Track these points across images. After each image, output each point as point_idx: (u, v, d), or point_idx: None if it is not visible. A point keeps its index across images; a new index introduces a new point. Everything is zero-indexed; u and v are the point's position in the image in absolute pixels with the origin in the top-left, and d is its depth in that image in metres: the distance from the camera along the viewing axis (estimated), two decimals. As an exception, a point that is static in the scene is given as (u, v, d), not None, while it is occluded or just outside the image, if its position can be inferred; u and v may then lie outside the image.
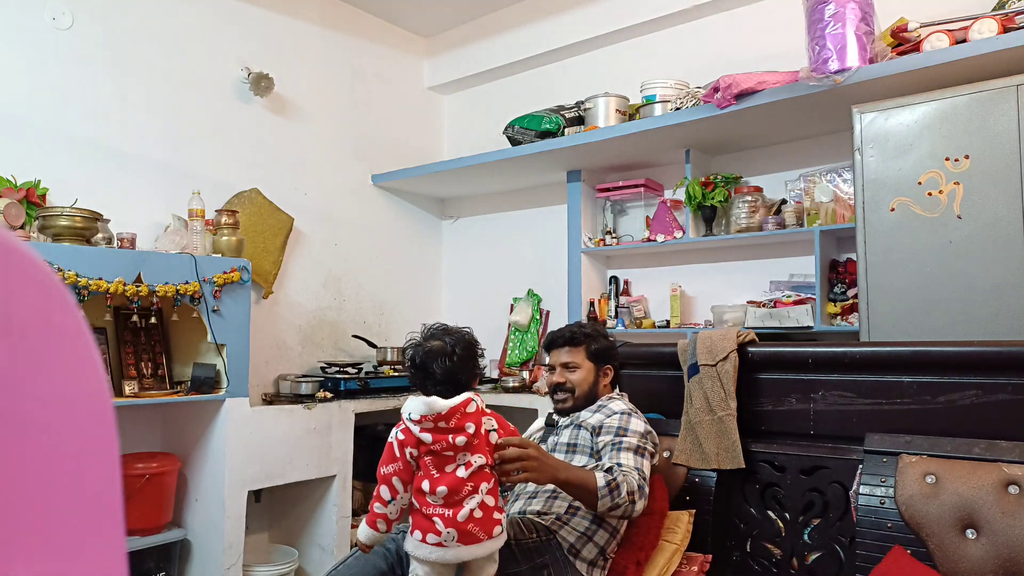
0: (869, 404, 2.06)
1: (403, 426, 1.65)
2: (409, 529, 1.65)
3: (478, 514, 1.60)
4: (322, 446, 3.07)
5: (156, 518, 2.73)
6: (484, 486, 1.63)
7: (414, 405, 1.62)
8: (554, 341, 2.27)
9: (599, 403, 2.16)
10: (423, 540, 1.59)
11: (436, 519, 1.59)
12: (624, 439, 1.98)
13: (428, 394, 1.66)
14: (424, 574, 1.62)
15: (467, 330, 1.78)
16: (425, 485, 1.60)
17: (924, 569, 1.69)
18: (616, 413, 2.07)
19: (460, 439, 1.60)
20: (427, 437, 1.60)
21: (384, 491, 1.63)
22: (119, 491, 0.36)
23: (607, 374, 2.22)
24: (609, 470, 1.87)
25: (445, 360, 1.67)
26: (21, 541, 0.31)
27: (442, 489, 1.59)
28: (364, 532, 1.66)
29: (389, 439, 1.66)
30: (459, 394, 1.65)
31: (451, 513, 1.59)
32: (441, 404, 1.60)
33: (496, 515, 1.64)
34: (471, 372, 1.71)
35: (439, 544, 1.58)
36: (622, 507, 1.81)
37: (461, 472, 1.60)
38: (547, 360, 2.31)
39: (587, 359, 2.20)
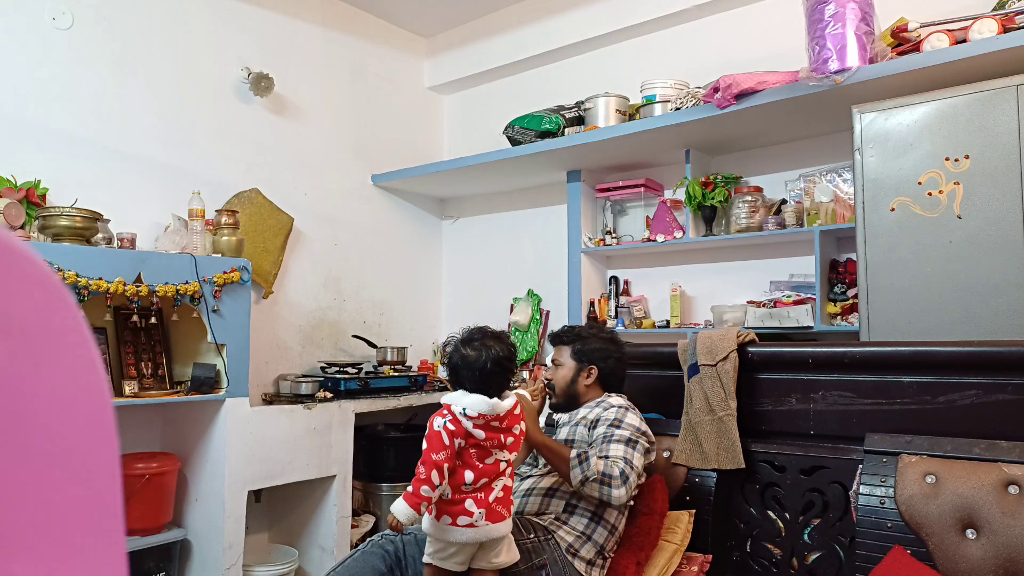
0: (869, 404, 2.06)
1: (450, 417, 1.73)
2: (434, 517, 1.73)
3: (500, 495, 1.75)
4: (322, 446, 3.07)
5: (156, 518, 2.73)
6: (508, 470, 1.79)
7: (474, 402, 1.72)
8: (550, 339, 2.39)
9: (598, 400, 2.18)
10: (453, 523, 1.70)
11: (469, 500, 1.71)
12: (617, 431, 2.00)
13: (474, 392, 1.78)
14: (451, 554, 1.73)
15: (506, 341, 1.84)
16: (468, 476, 1.71)
17: (924, 569, 1.69)
18: (613, 407, 2.10)
19: (510, 439, 1.76)
20: (480, 433, 1.72)
21: (435, 476, 1.69)
22: (119, 491, 0.36)
23: (590, 374, 2.23)
24: (586, 449, 1.96)
25: (473, 372, 1.77)
26: (21, 541, 0.31)
27: (484, 479, 1.73)
28: (406, 513, 1.68)
29: (435, 428, 1.73)
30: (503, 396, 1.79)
31: (483, 495, 1.72)
32: (503, 407, 1.74)
33: (511, 496, 1.80)
34: (498, 386, 1.79)
35: (470, 525, 1.70)
36: (591, 484, 1.85)
37: (503, 466, 1.75)
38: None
39: (570, 357, 2.25)
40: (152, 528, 2.72)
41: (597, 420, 2.07)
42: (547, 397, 2.31)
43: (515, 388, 1.99)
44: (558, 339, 2.31)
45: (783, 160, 3.24)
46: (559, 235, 3.87)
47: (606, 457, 1.91)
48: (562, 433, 2.16)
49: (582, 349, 2.24)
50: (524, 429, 1.83)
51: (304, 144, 3.72)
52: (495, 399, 1.73)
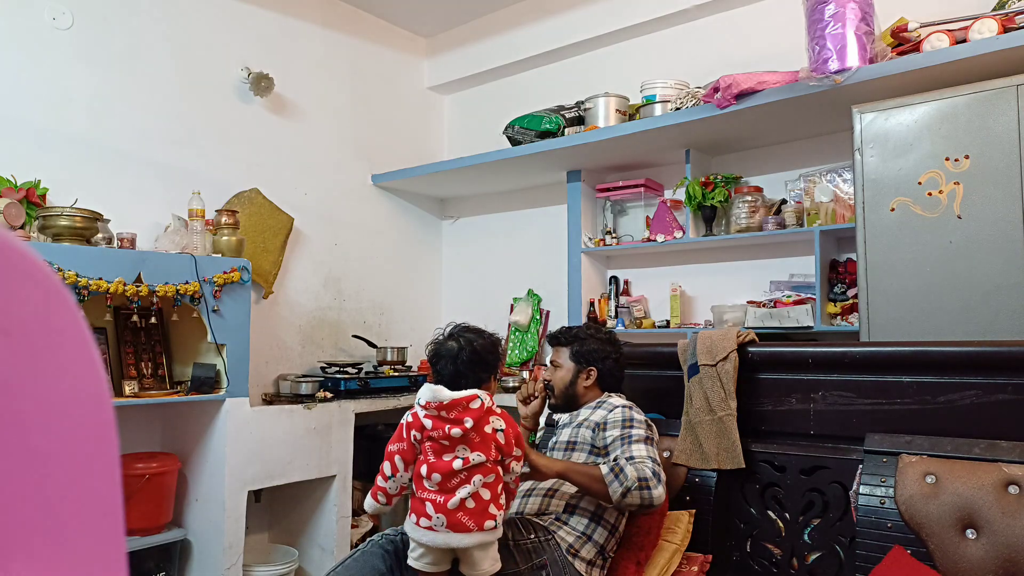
0: (869, 404, 2.06)
1: (413, 410, 1.73)
2: (408, 513, 1.74)
3: (470, 504, 1.66)
4: (322, 446, 3.07)
5: (156, 518, 2.73)
6: (479, 478, 1.67)
7: (424, 391, 1.71)
8: (549, 341, 2.37)
9: (598, 400, 2.17)
10: (416, 523, 1.68)
11: (428, 503, 1.67)
12: (633, 431, 1.99)
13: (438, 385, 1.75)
14: (419, 555, 1.71)
15: (488, 336, 1.83)
16: (423, 469, 1.69)
17: (924, 569, 1.69)
18: (617, 407, 2.09)
19: (455, 431, 1.66)
20: (428, 423, 1.68)
21: (386, 467, 1.74)
22: (119, 491, 0.36)
23: (589, 375, 2.22)
24: (614, 460, 1.90)
25: (449, 364, 1.76)
26: (21, 541, 0.31)
27: (436, 476, 1.67)
28: (368, 503, 1.79)
29: (401, 420, 1.77)
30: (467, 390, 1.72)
31: (442, 499, 1.66)
32: (445, 394, 1.68)
33: (492, 509, 1.68)
34: (475, 378, 1.76)
35: (430, 528, 1.66)
36: (633, 492, 1.81)
37: (457, 464, 1.66)
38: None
39: (569, 359, 2.24)
40: (152, 528, 2.72)
41: (604, 423, 2.06)
42: (547, 398, 2.31)
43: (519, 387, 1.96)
44: (556, 340, 2.31)
45: (783, 160, 3.24)
46: (559, 235, 3.87)
47: (631, 458, 1.90)
48: (564, 434, 2.15)
49: (580, 350, 2.23)
50: (495, 429, 1.71)
51: (304, 144, 3.72)
52: (440, 387, 1.70)
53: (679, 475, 2.27)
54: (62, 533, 0.33)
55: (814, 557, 2.09)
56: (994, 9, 2.49)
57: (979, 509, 1.70)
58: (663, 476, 1.88)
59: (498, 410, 1.75)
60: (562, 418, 2.24)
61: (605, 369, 2.22)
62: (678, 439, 2.30)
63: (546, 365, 2.41)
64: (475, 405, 1.68)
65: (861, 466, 1.95)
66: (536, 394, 2.33)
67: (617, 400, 2.15)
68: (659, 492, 1.83)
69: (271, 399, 3.26)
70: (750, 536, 2.21)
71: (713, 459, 2.20)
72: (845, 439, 2.09)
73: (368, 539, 1.92)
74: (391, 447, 1.74)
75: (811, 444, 2.16)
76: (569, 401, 2.22)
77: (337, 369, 3.46)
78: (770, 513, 2.19)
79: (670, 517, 2.13)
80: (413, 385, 3.61)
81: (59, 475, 0.33)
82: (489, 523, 1.67)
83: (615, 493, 1.82)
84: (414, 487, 1.72)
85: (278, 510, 3.39)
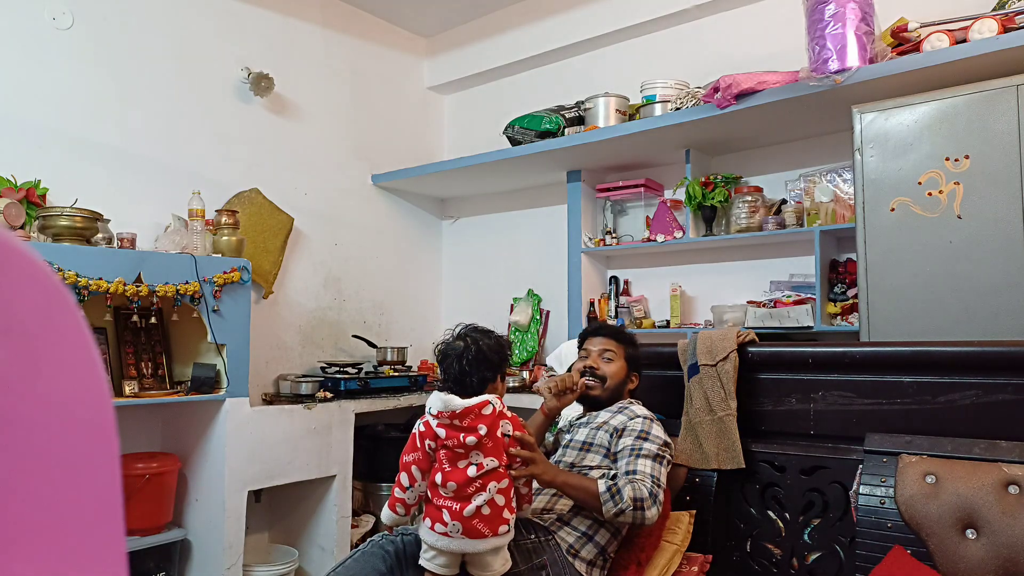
0: (869, 404, 2.05)
1: (425, 419, 1.74)
2: (421, 518, 1.76)
3: (486, 511, 1.68)
4: (322, 446, 3.07)
5: (156, 518, 2.73)
6: (493, 485, 1.69)
7: (434, 400, 1.72)
8: (598, 330, 2.28)
9: (620, 405, 2.15)
10: (432, 528, 1.70)
11: (444, 511, 1.68)
12: (645, 444, 1.95)
13: (445, 390, 1.74)
14: (431, 556, 1.72)
15: (496, 336, 1.83)
16: (438, 478, 1.69)
17: (924, 569, 1.69)
18: (639, 417, 2.05)
19: (470, 439, 1.67)
20: (442, 432, 1.69)
21: (404, 478, 1.75)
22: (119, 491, 0.36)
23: (633, 381, 2.22)
24: (613, 477, 1.89)
25: (455, 362, 1.76)
26: (21, 541, 0.31)
27: (452, 484, 1.67)
28: (386, 514, 1.81)
29: (413, 430, 1.77)
30: (476, 395, 1.72)
31: (458, 507, 1.67)
32: (457, 403, 1.68)
33: (505, 514, 1.71)
34: (481, 378, 1.76)
35: (445, 534, 1.67)
36: (627, 513, 1.80)
37: (471, 471, 1.67)
38: (575, 351, 2.33)
39: (624, 359, 2.21)
40: (152, 528, 2.72)
41: (623, 429, 2.02)
42: (588, 389, 2.16)
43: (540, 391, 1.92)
44: (616, 335, 2.23)
45: (783, 160, 3.24)
46: (559, 235, 3.87)
47: (633, 472, 1.87)
48: (580, 434, 2.11)
49: (635, 355, 2.23)
50: (503, 435, 1.71)
51: (304, 144, 3.72)
52: (451, 395, 1.70)
53: (679, 475, 2.27)
54: (62, 533, 0.33)
55: (814, 557, 2.09)
56: (994, 9, 2.49)
57: (979, 509, 1.70)
58: (660, 497, 1.85)
59: (509, 414, 1.76)
60: (572, 417, 2.23)
61: (640, 379, 2.24)
62: (678, 439, 2.30)
63: (545, 365, 2.39)
64: (487, 411, 1.70)
65: (861, 466, 1.95)
66: (575, 388, 2.15)
67: (640, 409, 2.10)
68: (651, 514, 1.81)
69: (271, 399, 3.26)
70: (750, 536, 2.21)
71: (713, 459, 2.20)
72: (845, 439, 2.08)
73: (368, 539, 1.92)
74: (406, 457, 1.75)
75: (811, 444, 2.16)
76: (612, 400, 2.17)
77: (337, 369, 3.46)
78: (770, 513, 2.19)
79: (670, 517, 2.13)
80: (413, 385, 3.61)
81: (59, 475, 0.33)
82: (503, 528, 1.70)
83: (608, 512, 1.81)
84: (429, 494, 1.73)
85: (278, 510, 3.39)
